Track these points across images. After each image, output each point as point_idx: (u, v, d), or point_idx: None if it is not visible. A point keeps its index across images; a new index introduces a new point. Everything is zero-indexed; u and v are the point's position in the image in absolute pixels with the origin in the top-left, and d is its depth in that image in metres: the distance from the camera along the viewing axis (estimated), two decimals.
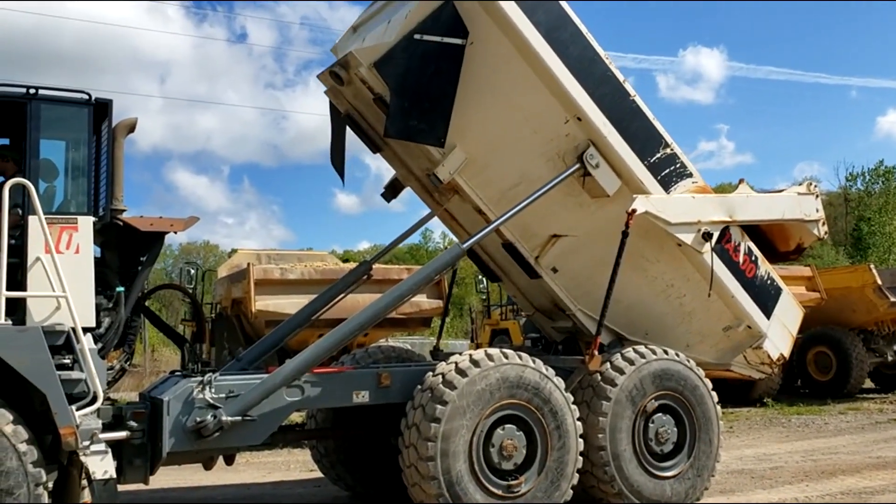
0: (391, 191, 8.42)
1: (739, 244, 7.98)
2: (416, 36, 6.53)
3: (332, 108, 7.81)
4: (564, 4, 7.07)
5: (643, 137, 7.42)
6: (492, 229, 7.14)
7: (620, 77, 7.31)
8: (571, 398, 7.06)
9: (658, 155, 7.49)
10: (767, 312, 8.17)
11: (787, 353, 8.47)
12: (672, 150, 7.57)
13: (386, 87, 6.66)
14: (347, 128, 7.73)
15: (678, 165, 7.62)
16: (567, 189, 7.33)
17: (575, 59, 7.03)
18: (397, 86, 6.58)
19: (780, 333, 8.34)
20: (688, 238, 7.54)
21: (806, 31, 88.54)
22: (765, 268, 8.17)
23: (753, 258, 8.08)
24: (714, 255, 7.63)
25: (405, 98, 6.59)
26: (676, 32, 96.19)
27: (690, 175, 7.71)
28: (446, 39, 6.56)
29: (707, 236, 7.59)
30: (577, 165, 7.19)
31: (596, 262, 7.60)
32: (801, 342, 17.48)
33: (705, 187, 7.84)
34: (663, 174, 7.53)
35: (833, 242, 42.94)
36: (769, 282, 8.22)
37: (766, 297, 8.17)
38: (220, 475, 9.48)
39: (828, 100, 79.72)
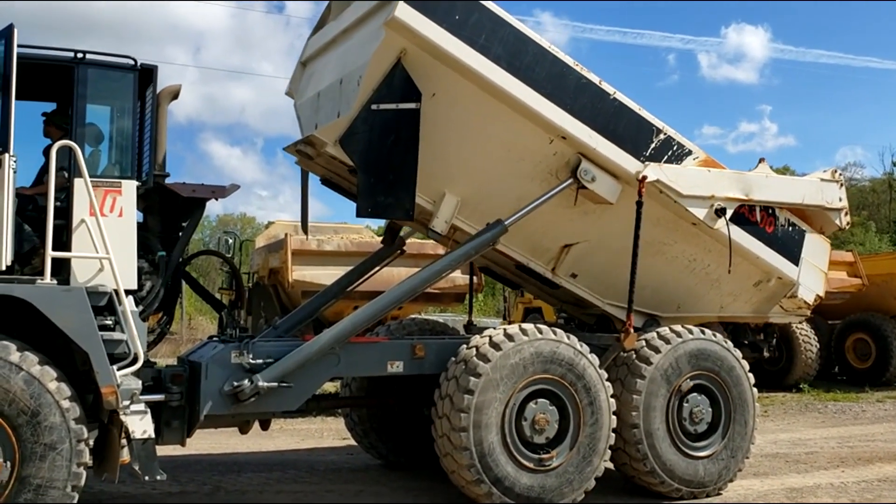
0: (390, 234, 8.40)
1: (754, 204, 7.82)
2: (374, 106, 6.42)
3: (303, 171, 7.80)
4: (519, 25, 6.76)
5: (633, 133, 7.22)
6: (528, 211, 7.02)
7: (596, 79, 7.05)
8: (605, 375, 7.04)
9: (653, 145, 7.30)
10: (795, 259, 8.03)
11: (822, 293, 8.33)
12: (665, 133, 7.37)
13: None
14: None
15: (675, 148, 7.44)
16: (566, 202, 7.20)
17: (544, 80, 6.79)
18: (362, 162, 6.52)
19: (811, 276, 8.18)
20: (700, 213, 7.40)
21: (855, 14, 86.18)
22: (783, 216, 8.00)
23: (770, 211, 7.90)
24: (731, 224, 7.50)
25: (371, 174, 6.52)
26: (719, 7, 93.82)
27: (690, 152, 7.54)
28: (401, 105, 6.44)
29: (720, 212, 7.45)
30: (570, 181, 7.04)
31: (613, 256, 7.53)
32: (840, 328, 17.27)
33: (708, 160, 7.66)
34: (663, 162, 7.37)
35: (876, 229, 42.02)
36: (790, 228, 8.04)
37: (790, 246, 8.02)
38: (255, 441, 9.65)
39: (876, 84, 77.52)
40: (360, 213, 6.65)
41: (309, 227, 14.70)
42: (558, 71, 6.91)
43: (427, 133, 6.60)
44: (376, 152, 6.49)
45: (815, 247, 8.22)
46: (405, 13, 6.27)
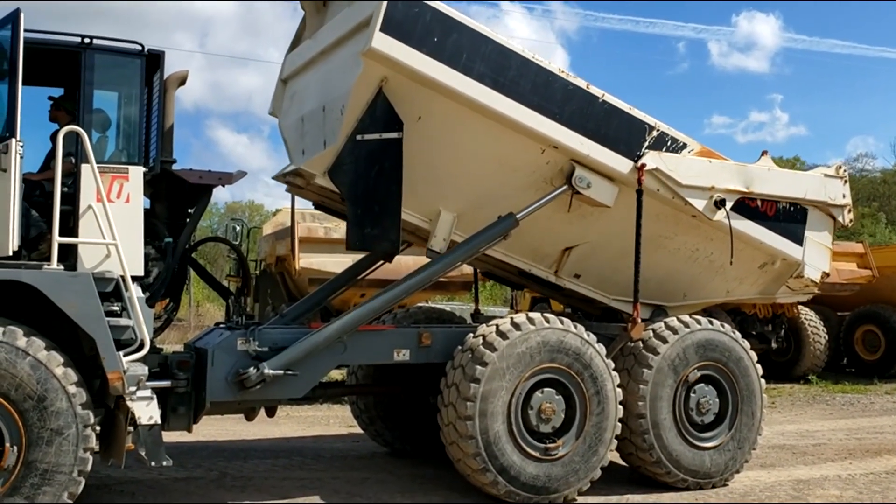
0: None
1: (755, 196, 7.74)
2: (358, 137, 6.38)
3: (292, 198, 7.87)
4: (499, 39, 6.63)
5: (626, 135, 7.14)
6: (536, 208, 6.99)
7: (583, 84, 6.95)
8: (612, 365, 7.02)
9: (646, 143, 7.21)
10: (799, 239, 7.97)
11: (828, 269, 8.27)
12: (658, 129, 7.28)
13: None
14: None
15: (669, 142, 7.36)
16: (563, 207, 7.14)
17: (529, 92, 6.69)
18: (350, 194, 6.51)
19: (816, 253, 8.10)
20: (699, 204, 7.33)
21: (870, 3, 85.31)
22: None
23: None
24: (732, 214, 7.44)
25: (358, 205, 6.50)
26: None
27: (685, 145, 7.46)
28: (384, 135, 6.38)
29: (720, 203, 7.39)
30: (565, 187, 6.99)
31: (616, 254, 7.50)
32: (849, 320, 17.18)
33: (705, 150, 7.58)
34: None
35: (887, 220, 41.79)
36: (792, 208, 7.95)
37: (793, 226, 7.95)
38: (261, 428, 9.67)
39: (890, 74, 76.69)
40: (349, 247, 6.65)
41: (316, 215, 14.79)
42: (544, 80, 6.81)
43: (417, 154, 6.53)
44: (363, 184, 6.47)
45: (818, 223, 8.14)
46: (382, 43, 6.14)
